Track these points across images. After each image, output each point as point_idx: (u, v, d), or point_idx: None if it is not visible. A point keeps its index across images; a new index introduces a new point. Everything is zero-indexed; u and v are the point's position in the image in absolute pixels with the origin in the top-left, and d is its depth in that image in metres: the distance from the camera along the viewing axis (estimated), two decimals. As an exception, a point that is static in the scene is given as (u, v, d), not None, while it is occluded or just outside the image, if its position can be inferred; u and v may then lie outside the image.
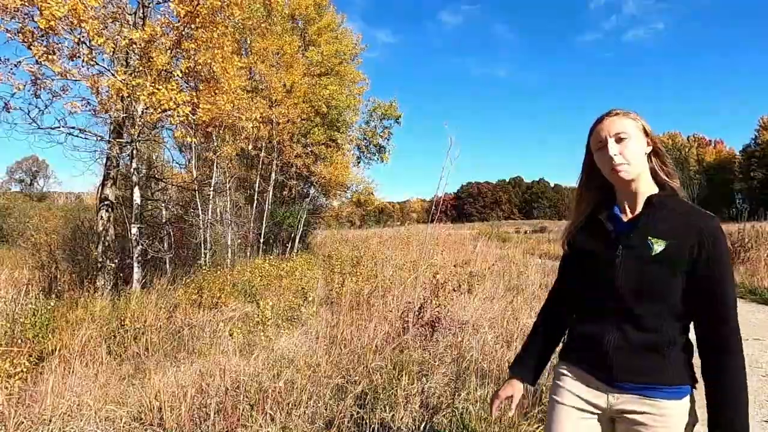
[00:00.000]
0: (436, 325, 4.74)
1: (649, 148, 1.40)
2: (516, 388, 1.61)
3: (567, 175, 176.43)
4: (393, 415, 3.18)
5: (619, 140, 1.38)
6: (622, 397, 1.39)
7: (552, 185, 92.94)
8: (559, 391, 1.51)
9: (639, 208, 1.40)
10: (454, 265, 9.76)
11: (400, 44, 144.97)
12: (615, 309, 1.40)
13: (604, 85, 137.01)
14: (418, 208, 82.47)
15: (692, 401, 1.37)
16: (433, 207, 6.13)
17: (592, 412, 1.46)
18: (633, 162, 1.37)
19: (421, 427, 3.07)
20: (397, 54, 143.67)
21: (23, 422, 3.21)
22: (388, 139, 20.06)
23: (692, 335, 1.38)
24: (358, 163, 19.95)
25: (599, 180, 1.47)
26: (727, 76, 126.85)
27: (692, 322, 1.38)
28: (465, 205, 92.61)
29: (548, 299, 1.69)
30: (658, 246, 1.32)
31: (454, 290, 6.26)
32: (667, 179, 1.41)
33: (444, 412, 3.16)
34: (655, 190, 1.41)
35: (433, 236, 12.12)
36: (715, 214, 1.38)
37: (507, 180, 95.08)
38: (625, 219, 1.42)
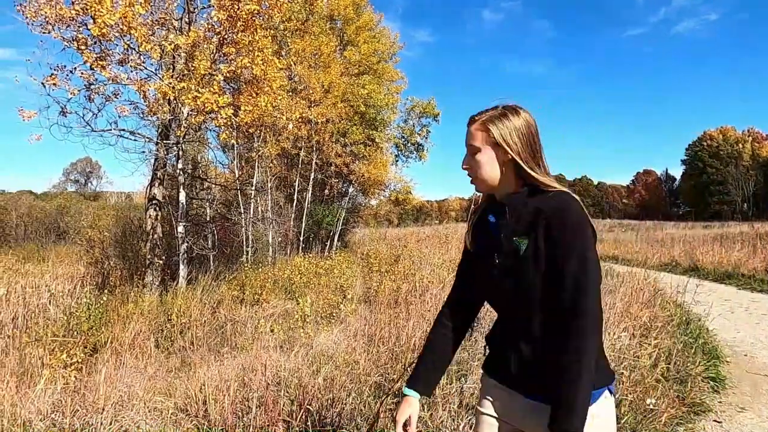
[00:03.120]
0: (475, 324, 4.69)
1: (508, 157, 1.32)
2: (414, 408, 1.49)
3: (611, 173, 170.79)
4: (431, 414, 3.17)
5: (472, 153, 1.36)
6: (532, 404, 1.32)
7: (596, 183, 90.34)
8: (482, 401, 1.51)
9: (504, 202, 1.36)
10: (494, 265, 9.59)
11: (440, 43, 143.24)
12: (506, 314, 1.38)
13: (652, 79, 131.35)
14: (457, 206, 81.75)
15: (608, 401, 1.30)
16: (473, 205, 6.05)
17: (508, 423, 1.43)
18: (480, 176, 1.36)
19: (460, 427, 3.05)
20: (436, 52, 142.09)
21: (78, 410, 3.38)
22: (426, 138, 20.03)
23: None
24: (396, 161, 20.00)
25: None
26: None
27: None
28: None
29: (447, 304, 1.60)
30: (523, 245, 1.27)
31: (494, 290, 6.16)
32: (534, 180, 1.31)
33: (483, 413, 3.12)
34: (518, 190, 1.34)
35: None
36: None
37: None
38: (498, 218, 1.39)
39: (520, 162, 1.31)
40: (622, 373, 3.59)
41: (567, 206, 1.24)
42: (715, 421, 3.53)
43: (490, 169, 1.35)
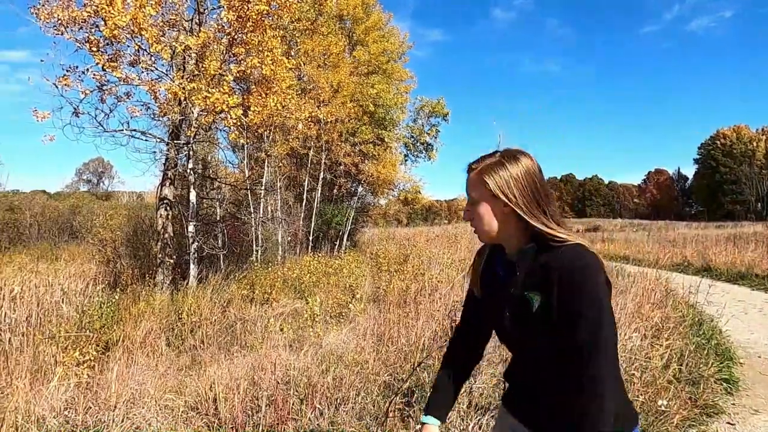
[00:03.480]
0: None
1: (508, 208, 1.27)
2: None
3: (622, 172, 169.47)
4: (440, 414, 3.16)
5: (471, 203, 1.33)
6: None
7: (606, 182, 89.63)
8: (496, 429, 1.56)
9: (513, 259, 1.33)
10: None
11: (451, 42, 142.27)
12: (519, 358, 1.37)
13: (663, 77, 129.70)
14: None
15: None
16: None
17: None
18: (482, 227, 1.32)
19: (469, 427, 3.04)
20: (447, 52, 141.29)
21: (91, 407, 3.43)
22: (435, 137, 19.99)
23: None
24: (406, 161, 19.99)
25: None
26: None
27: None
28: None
29: (457, 331, 1.62)
30: (536, 301, 1.24)
31: (503, 290, 6.12)
32: (540, 232, 1.26)
33: (492, 413, 3.11)
34: (525, 241, 1.30)
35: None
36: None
37: (558, 177, 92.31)
38: (507, 269, 1.36)
39: (522, 214, 1.25)
40: (633, 374, 3.57)
41: (580, 262, 1.19)
42: (728, 423, 3.50)
43: (489, 221, 1.30)
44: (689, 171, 79.59)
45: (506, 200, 1.26)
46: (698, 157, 72.00)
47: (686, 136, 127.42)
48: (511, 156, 1.29)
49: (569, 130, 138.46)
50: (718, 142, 67.96)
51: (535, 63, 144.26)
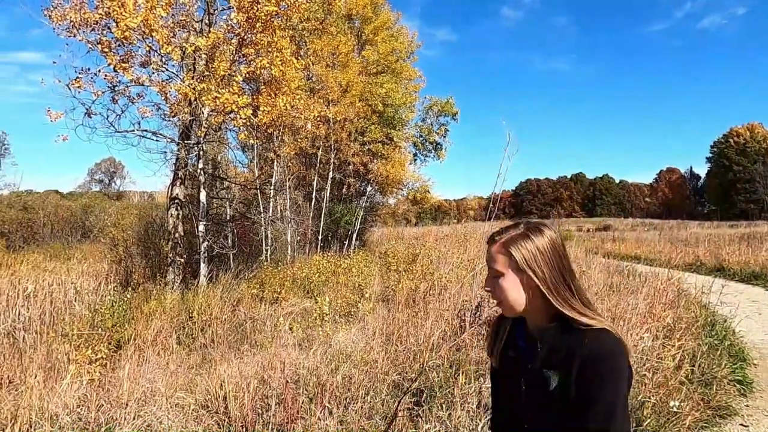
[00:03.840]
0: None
1: (534, 283, 1.24)
2: None
3: (633, 171, 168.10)
4: (449, 413, 3.16)
5: (494, 276, 1.29)
6: None
7: (617, 181, 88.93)
8: None
9: (535, 336, 1.30)
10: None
11: (460, 42, 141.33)
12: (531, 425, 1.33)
13: (676, 75, 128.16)
14: (476, 205, 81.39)
15: None
16: (491, 204, 6.00)
17: None
18: (506, 301, 1.28)
19: (478, 427, 3.03)
20: (456, 52, 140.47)
21: (103, 405, 3.47)
22: (444, 136, 19.94)
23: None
24: (415, 160, 19.96)
25: None
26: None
27: None
28: (524, 203, 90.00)
29: (494, 416, 1.58)
30: (554, 380, 1.22)
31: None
32: (565, 314, 1.23)
33: (502, 413, 3.10)
34: (549, 318, 1.27)
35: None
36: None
37: (569, 176, 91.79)
38: (528, 343, 1.33)
39: (546, 292, 1.23)
40: (645, 374, 3.53)
41: (604, 347, 1.18)
42: (741, 425, 3.46)
43: (516, 295, 1.27)
44: (701, 170, 78.73)
45: (533, 275, 1.23)
46: (711, 155, 71.20)
47: (698, 134, 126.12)
48: (535, 228, 1.27)
49: (579, 128, 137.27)
50: (732, 141, 67.13)
51: (544, 62, 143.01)
